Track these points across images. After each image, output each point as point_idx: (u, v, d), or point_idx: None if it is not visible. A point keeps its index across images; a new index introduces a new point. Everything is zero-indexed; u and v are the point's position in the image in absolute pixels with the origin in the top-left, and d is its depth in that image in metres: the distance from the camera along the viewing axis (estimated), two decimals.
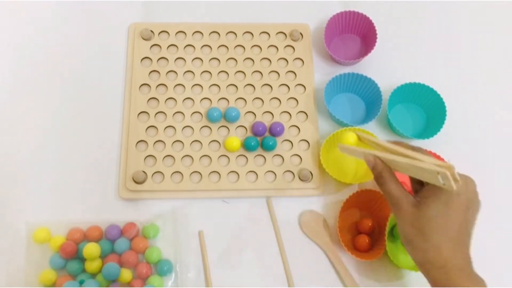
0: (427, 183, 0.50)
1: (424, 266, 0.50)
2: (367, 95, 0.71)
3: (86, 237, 0.61)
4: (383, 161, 0.52)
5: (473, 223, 0.51)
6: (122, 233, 0.62)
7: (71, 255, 0.59)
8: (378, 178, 0.52)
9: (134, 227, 0.61)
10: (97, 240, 0.61)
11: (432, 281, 0.49)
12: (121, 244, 0.60)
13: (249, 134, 0.68)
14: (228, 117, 0.68)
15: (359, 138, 0.57)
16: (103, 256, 0.60)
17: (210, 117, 0.68)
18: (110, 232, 0.61)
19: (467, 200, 0.49)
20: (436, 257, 0.48)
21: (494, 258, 0.65)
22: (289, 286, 0.62)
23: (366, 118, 0.71)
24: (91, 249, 0.58)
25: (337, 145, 0.58)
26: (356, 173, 0.67)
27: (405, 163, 0.49)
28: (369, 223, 0.64)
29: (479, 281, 0.48)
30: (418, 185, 0.53)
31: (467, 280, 0.47)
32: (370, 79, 0.69)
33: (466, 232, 0.50)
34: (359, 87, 0.71)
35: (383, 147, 0.53)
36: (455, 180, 0.45)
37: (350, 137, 0.57)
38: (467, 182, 0.50)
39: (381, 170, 0.52)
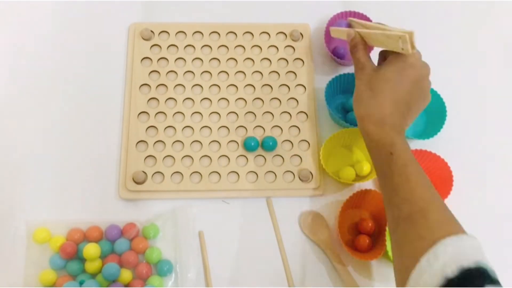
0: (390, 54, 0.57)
1: (363, 119, 0.55)
2: None
3: (86, 238, 0.61)
4: (361, 36, 0.61)
5: (417, 103, 0.57)
6: (122, 233, 0.62)
7: (71, 256, 0.59)
8: (352, 47, 0.61)
9: (134, 228, 0.61)
10: (97, 241, 0.61)
11: (365, 133, 0.55)
12: (121, 244, 0.60)
13: (249, 134, 0.68)
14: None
15: (351, 25, 0.65)
16: (103, 257, 0.60)
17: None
18: (110, 232, 0.61)
19: (417, 74, 0.56)
20: (377, 112, 0.54)
21: (494, 256, 0.65)
22: (289, 286, 0.62)
23: None
24: (91, 249, 0.58)
25: (330, 28, 0.68)
26: (356, 173, 0.67)
27: (377, 33, 0.57)
28: (369, 223, 0.64)
29: (405, 141, 0.53)
30: (383, 61, 0.59)
31: (396, 135, 0.53)
32: None
33: (408, 103, 0.55)
34: None
35: (366, 26, 0.61)
36: (412, 46, 0.52)
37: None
38: (425, 63, 0.57)
39: (356, 41, 0.60)
